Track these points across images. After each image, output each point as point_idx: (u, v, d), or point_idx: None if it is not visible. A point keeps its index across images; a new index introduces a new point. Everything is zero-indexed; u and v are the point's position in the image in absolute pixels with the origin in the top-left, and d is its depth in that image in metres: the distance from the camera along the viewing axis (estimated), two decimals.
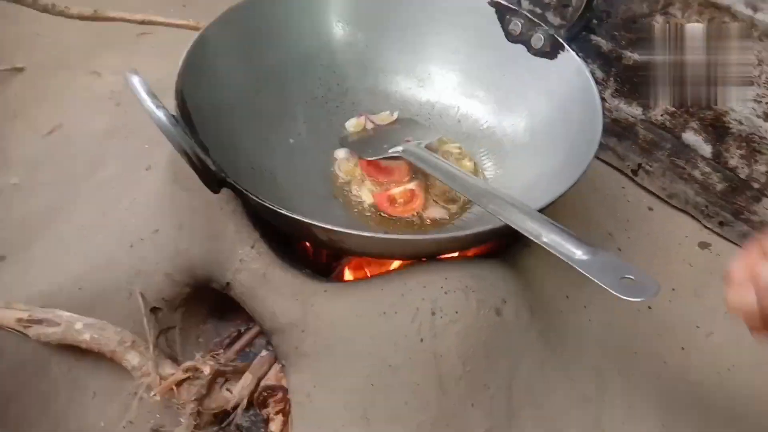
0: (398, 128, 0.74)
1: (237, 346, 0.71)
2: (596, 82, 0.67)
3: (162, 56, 1.14)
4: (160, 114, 0.45)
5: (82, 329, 0.66)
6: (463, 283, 0.53)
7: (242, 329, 0.76)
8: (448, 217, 0.66)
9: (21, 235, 0.83)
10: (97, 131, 0.98)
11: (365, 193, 0.67)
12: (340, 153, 0.73)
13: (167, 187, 0.70)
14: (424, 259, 0.58)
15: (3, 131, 0.99)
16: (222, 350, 0.71)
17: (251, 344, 0.74)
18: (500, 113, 0.74)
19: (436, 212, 0.66)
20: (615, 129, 0.89)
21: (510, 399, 0.56)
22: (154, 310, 0.71)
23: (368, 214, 0.67)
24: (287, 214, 0.48)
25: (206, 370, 0.65)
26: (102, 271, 0.71)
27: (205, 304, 0.75)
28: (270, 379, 0.67)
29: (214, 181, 0.50)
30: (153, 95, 0.46)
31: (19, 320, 0.65)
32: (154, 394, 0.64)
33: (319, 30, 0.76)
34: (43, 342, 0.65)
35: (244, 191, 0.50)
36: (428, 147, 0.65)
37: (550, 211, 0.52)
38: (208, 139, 0.59)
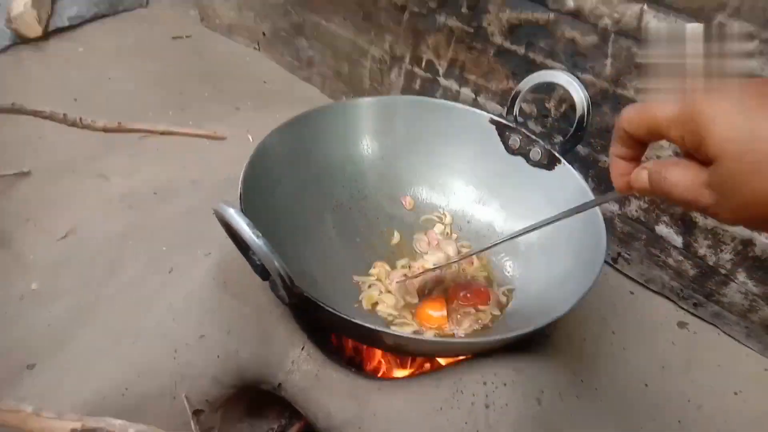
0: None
1: None
2: None
3: (165, 159, 1.21)
4: (260, 243, 0.51)
5: None
6: (509, 378, 0.61)
7: (275, 426, 0.80)
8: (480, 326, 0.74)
9: (48, 341, 0.85)
10: (113, 234, 1.01)
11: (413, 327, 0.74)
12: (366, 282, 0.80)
13: (213, 293, 0.75)
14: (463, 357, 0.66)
15: (17, 236, 1.02)
16: None
17: None
18: (509, 218, 0.84)
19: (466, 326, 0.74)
20: None
21: None
22: (196, 412, 0.74)
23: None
24: (365, 325, 0.55)
25: None
26: (146, 376, 0.74)
27: (243, 402, 0.79)
28: None
29: (293, 295, 0.56)
30: (253, 226, 0.52)
31: (73, 431, 0.67)
32: None
33: (347, 143, 0.85)
34: None
35: (321, 304, 0.56)
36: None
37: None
38: None
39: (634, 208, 0.95)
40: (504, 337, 0.57)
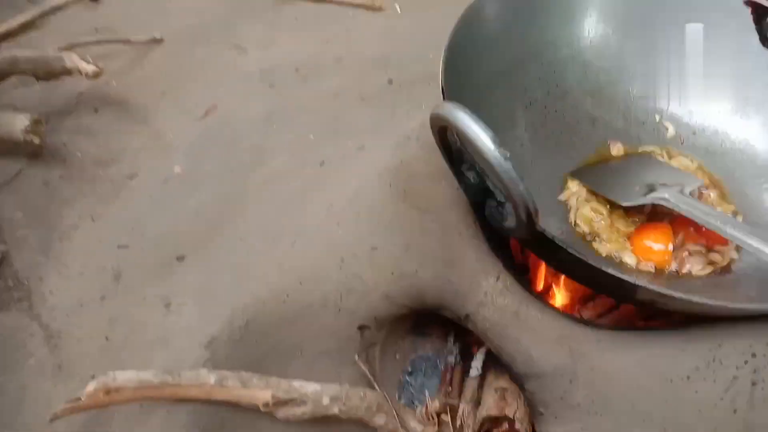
0: (637, 165, 0.66)
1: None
2: None
3: (305, 29, 1.08)
4: (507, 166, 0.39)
5: (330, 404, 0.61)
6: None
7: (453, 360, 0.72)
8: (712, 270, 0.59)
9: (196, 232, 0.79)
10: (256, 116, 0.92)
11: (628, 256, 0.60)
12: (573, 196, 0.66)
13: (387, 200, 0.64)
14: None
15: (155, 111, 0.94)
16: (450, 388, 0.67)
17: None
18: (752, 132, 0.66)
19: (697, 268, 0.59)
20: None
21: None
22: (361, 327, 0.67)
23: None
24: (623, 277, 0.43)
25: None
26: (309, 285, 0.66)
27: (409, 321, 0.71)
28: (491, 410, 0.64)
29: (530, 233, 0.44)
30: (497, 140, 0.40)
31: (265, 404, 0.60)
32: None
33: (566, 18, 0.68)
34: None
35: (572, 252, 0.44)
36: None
37: None
38: None
39: None
40: None
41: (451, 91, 0.54)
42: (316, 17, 1.07)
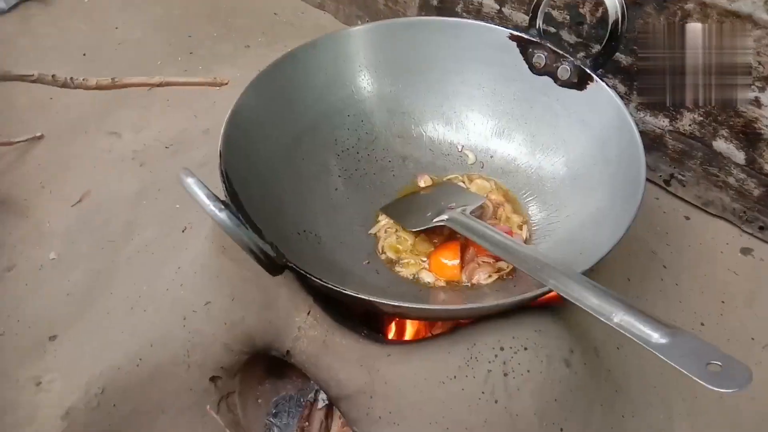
0: (437, 192, 0.73)
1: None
2: (620, 97, 0.67)
3: (175, 109, 1.15)
4: (222, 216, 0.45)
5: None
6: (530, 341, 0.54)
7: (312, 396, 0.76)
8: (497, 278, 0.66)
9: (68, 311, 0.84)
10: (127, 194, 0.98)
11: (425, 275, 0.67)
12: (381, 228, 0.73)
13: (214, 258, 0.70)
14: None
15: (34, 204, 1.00)
16: (307, 423, 0.71)
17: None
18: (535, 149, 0.74)
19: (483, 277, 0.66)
20: (643, 141, 0.88)
21: None
22: (213, 378, 0.72)
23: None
24: (353, 294, 0.49)
25: None
26: (158, 346, 0.71)
27: (261, 365, 0.76)
28: None
29: (276, 268, 0.50)
30: (214, 197, 0.46)
31: None
32: None
33: (345, 81, 0.76)
34: None
35: (307, 275, 0.50)
36: (473, 213, 0.64)
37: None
38: (257, 213, 0.59)
39: (687, 122, 0.82)
40: (512, 300, 0.50)
41: (234, 156, 0.61)
42: (186, 96, 1.14)
